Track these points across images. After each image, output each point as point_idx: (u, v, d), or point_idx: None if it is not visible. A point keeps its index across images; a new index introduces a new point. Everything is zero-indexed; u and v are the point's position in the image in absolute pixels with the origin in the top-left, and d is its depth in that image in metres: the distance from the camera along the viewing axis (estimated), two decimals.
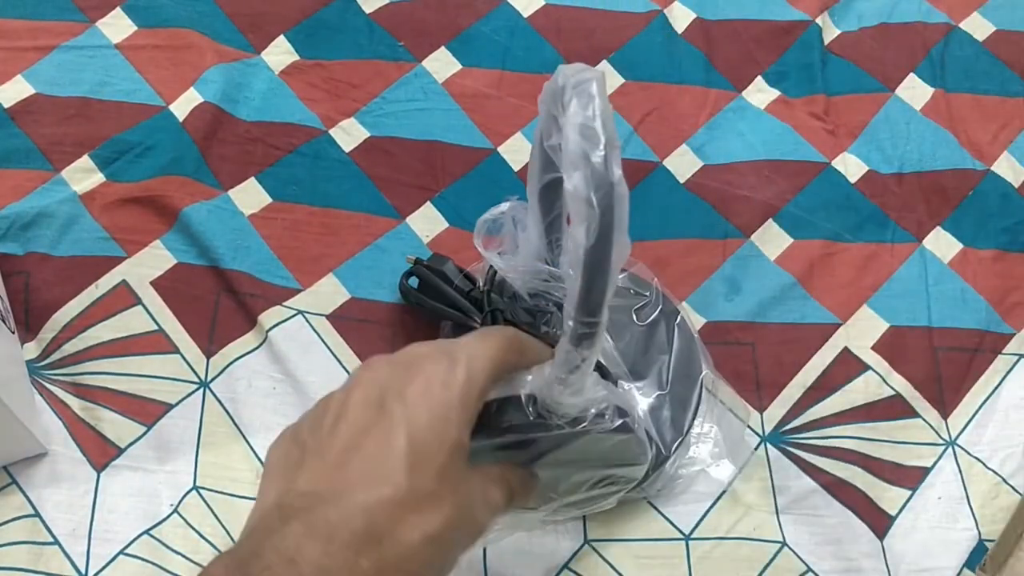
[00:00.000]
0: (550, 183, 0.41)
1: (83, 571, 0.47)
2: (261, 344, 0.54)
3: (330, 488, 0.31)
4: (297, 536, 0.29)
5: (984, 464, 0.53)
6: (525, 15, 0.69)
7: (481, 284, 0.51)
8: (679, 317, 0.53)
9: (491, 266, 0.49)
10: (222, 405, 0.52)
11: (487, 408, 0.35)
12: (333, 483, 0.31)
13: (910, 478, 0.52)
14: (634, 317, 0.53)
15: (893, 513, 0.51)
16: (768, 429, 0.53)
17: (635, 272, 0.55)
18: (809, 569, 0.50)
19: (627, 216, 0.30)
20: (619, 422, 0.38)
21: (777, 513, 0.51)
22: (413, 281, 0.54)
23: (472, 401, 0.33)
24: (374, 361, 0.35)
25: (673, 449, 0.49)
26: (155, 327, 0.54)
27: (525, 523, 0.46)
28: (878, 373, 0.55)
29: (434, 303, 0.52)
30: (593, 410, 0.37)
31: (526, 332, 0.40)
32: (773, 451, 0.53)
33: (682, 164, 0.63)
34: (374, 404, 0.33)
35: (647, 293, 0.53)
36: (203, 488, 0.50)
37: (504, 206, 0.45)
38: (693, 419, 0.51)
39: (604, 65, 0.67)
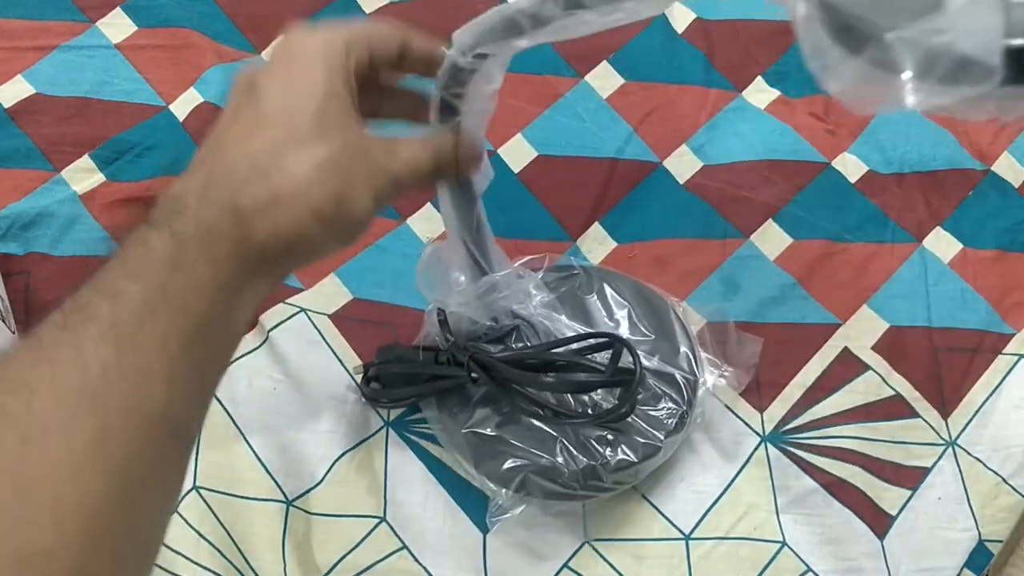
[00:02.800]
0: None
1: None
2: (262, 344, 0.54)
3: (213, 148, 0.32)
4: (183, 185, 0.31)
5: (984, 464, 0.53)
6: None
7: (441, 343, 0.50)
8: (611, 274, 0.54)
9: (439, 317, 0.49)
10: (222, 405, 0.52)
11: None
12: (216, 145, 0.32)
13: (910, 478, 0.52)
14: (577, 292, 0.54)
15: (893, 513, 0.51)
16: (768, 429, 0.53)
17: (539, 265, 0.54)
18: (809, 569, 0.50)
19: None
20: None
21: (777, 513, 0.51)
22: (376, 384, 0.52)
23: (337, 53, 0.33)
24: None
25: (700, 385, 0.51)
26: None
27: None
28: (878, 373, 0.55)
29: (410, 390, 0.51)
30: None
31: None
32: (773, 451, 0.53)
33: (682, 164, 0.63)
34: (245, 85, 0.33)
35: (574, 271, 0.55)
36: (203, 488, 0.50)
37: (425, 254, 0.45)
38: (695, 347, 0.52)
39: (604, 65, 0.67)
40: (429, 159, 0.36)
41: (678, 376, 0.50)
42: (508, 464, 0.48)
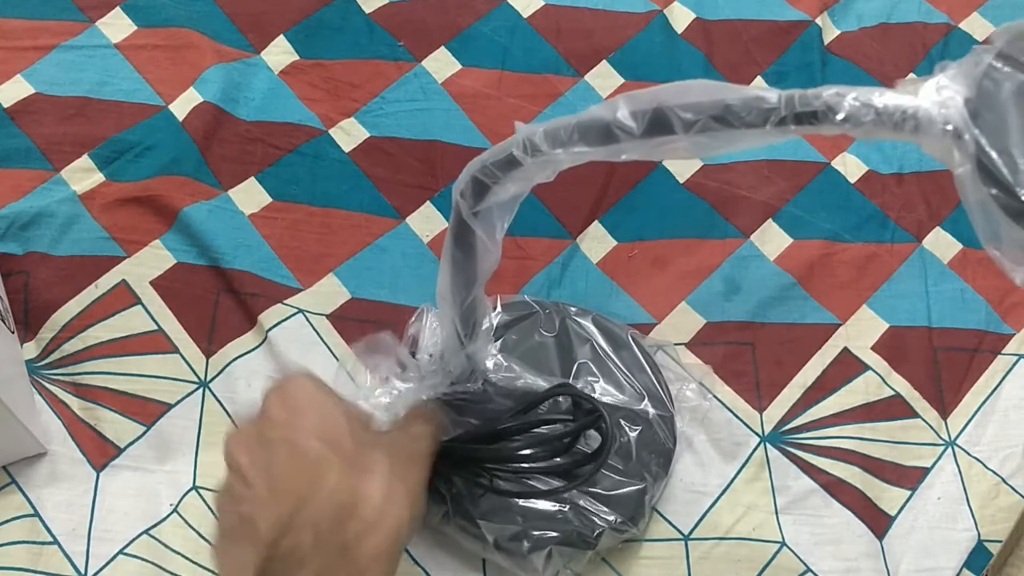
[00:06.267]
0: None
1: (83, 571, 0.47)
2: (261, 344, 0.54)
3: (294, 503, 0.34)
4: (296, 539, 0.34)
5: (984, 464, 0.53)
6: (525, 15, 0.69)
7: None
8: (574, 309, 0.53)
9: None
10: (221, 405, 0.52)
11: None
12: (295, 499, 0.34)
13: (910, 478, 0.52)
14: (542, 331, 0.52)
15: (893, 513, 0.51)
16: (768, 429, 0.53)
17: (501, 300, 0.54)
18: (808, 569, 0.50)
19: None
20: None
21: (776, 513, 0.51)
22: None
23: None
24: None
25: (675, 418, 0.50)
26: (155, 327, 0.54)
27: None
28: (878, 373, 0.55)
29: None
30: None
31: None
32: (773, 451, 0.53)
33: (682, 164, 0.63)
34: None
35: (533, 309, 0.53)
36: (203, 488, 0.50)
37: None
38: (661, 378, 0.51)
39: (604, 65, 0.67)
40: (432, 431, 0.42)
41: (652, 415, 0.49)
42: (537, 557, 0.46)
